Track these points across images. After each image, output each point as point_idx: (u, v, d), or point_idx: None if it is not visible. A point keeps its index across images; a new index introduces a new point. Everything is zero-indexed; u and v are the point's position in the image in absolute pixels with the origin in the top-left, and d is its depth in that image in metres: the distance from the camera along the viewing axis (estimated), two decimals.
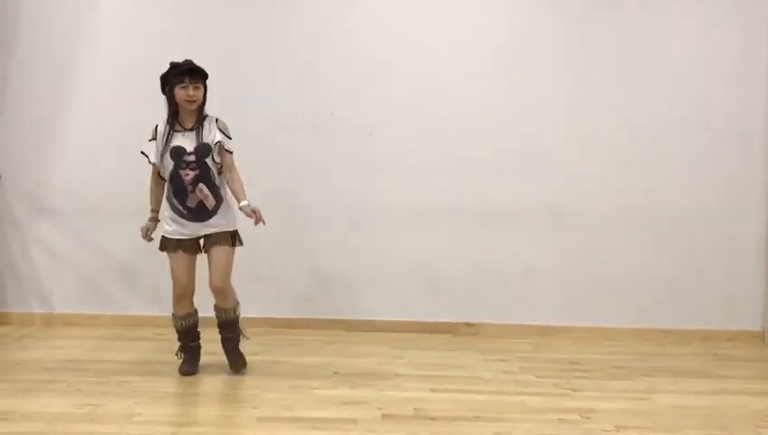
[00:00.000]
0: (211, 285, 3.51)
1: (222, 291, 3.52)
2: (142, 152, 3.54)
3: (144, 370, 3.64)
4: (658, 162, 4.67)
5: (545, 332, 4.68)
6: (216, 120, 3.51)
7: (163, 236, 3.53)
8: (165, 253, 3.53)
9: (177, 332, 3.65)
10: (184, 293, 3.54)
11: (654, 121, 4.67)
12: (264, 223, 3.50)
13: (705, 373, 3.90)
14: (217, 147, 3.46)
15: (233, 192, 3.54)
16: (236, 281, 4.66)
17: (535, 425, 2.96)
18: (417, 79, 4.66)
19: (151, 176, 3.57)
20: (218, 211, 3.48)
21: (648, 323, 4.69)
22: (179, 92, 3.40)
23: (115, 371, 3.61)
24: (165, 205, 3.55)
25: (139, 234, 3.58)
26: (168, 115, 3.48)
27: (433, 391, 3.42)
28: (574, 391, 3.47)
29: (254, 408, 3.09)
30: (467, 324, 4.71)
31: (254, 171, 4.65)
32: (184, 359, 3.65)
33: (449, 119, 4.66)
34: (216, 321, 3.64)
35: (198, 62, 4.64)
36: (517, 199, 4.68)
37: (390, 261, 4.70)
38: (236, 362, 3.64)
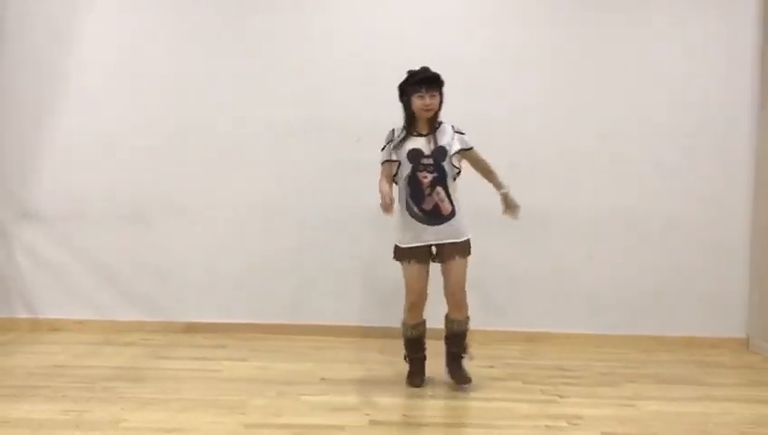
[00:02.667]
0: (448, 295, 3.51)
1: (459, 301, 3.51)
2: (386, 161, 3.51)
3: (130, 376, 3.62)
4: (644, 170, 4.71)
5: (533, 338, 4.70)
6: (453, 125, 3.54)
7: (396, 246, 3.53)
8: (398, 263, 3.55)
9: (405, 340, 3.63)
10: (417, 301, 3.51)
11: (639, 130, 4.71)
12: (515, 219, 3.58)
13: (690, 380, 3.93)
14: (458, 155, 3.49)
15: (491, 181, 3.63)
16: (224, 286, 4.67)
17: (523, 431, 2.97)
18: None
19: (382, 178, 3.50)
20: (452, 218, 3.47)
21: (635, 330, 4.72)
22: (416, 101, 3.43)
23: (101, 376, 3.59)
24: (397, 212, 3.49)
25: (131, 238, 3.55)
26: (405, 122, 3.51)
27: (421, 397, 3.42)
28: (561, 397, 3.48)
29: (242, 414, 3.08)
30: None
31: (244, 175, 4.69)
32: (411, 371, 3.64)
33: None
34: (444, 332, 3.61)
35: (188, 65, 4.69)
36: None
37: (379, 267, 4.70)
38: (461, 376, 3.56)
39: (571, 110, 4.71)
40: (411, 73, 3.49)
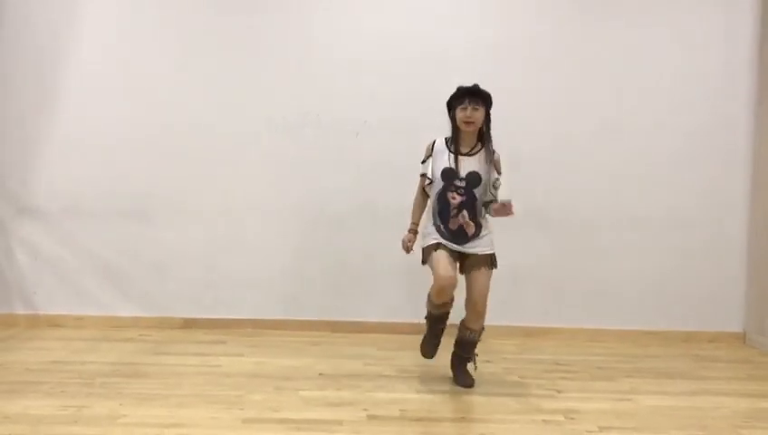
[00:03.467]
0: (470, 304, 3.46)
1: (479, 311, 3.46)
2: (422, 175, 3.55)
3: (129, 371, 3.63)
4: (641, 166, 4.73)
5: (530, 333, 4.71)
6: (496, 154, 3.46)
7: (426, 246, 3.50)
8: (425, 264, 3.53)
9: (428, 315, 3.61)
10: (447, 284, 3.34)
11: (637, 125, 4.72)
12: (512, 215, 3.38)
13: (687, 374, 3.94)
14: (492, 186, 3.44)
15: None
16: (222, 282, 4.68)
17: (520, 426, 2.98)
18: (404, 80, 4.68)
19: (418, 190, 3.59)
20: (477, 236, 3.46)
21: (632, 324, 4.74)
22: (459, 114, 3.43)
23: (100, 372, 3.59)
24: (427, 220, 3.53)
25: (129, 234, 3.54)
26: (452, 135, 3.50)
27: (418, 392, 3.43)
28: (558, 392, 3.50)
29: (240, 409, 3.09)
30: (453, 326, 4.71)
31: (243, 172, 4.69)
32: (426, 340, 3.65)
33: (438, 120, 4.65)
34: (456, 337, 3.61)
35: (185, 62, 4.69)
36: None
37: (376, 262, 4.71)
38: (466, 379, 3.59)
39: (570, 107, 4.72)
40: (459, 87, 3.47)
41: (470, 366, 3.63)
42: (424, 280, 4.66)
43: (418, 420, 3.03)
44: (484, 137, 3.49)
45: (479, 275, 3.44)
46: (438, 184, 3.46)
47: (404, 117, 4.67)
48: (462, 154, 3.46)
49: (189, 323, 4.66)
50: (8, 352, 4.02)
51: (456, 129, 3.48)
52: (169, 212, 4.69)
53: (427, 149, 3.55)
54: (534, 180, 4.70)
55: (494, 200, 3.40)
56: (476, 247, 3.46)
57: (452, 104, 3.48)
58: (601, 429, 2.97)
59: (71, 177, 4.66)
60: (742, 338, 4.76)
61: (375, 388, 3.47)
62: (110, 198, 4.66)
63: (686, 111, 4.73)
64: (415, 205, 3.60)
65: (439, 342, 3.67)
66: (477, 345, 3.59)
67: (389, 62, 4.69)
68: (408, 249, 3.54)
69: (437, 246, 3.44)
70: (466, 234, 3.44)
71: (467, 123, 3.42)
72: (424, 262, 3.53)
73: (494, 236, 3.53)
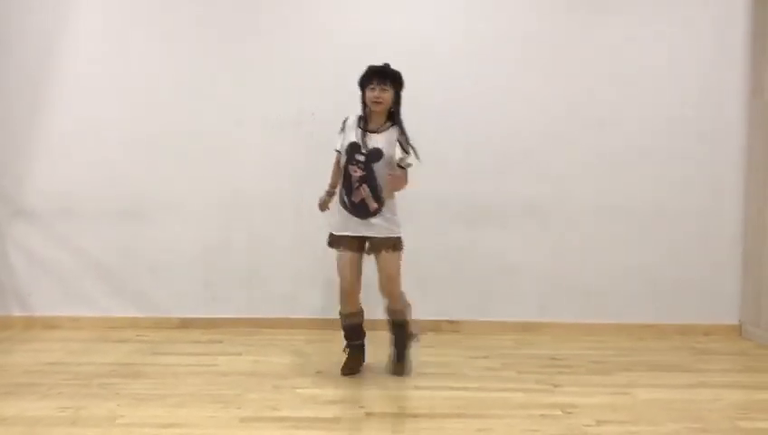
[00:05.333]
0: (380, 288, 3.61)
1: (390, 294, 3.61)
2: (336, 150, 3.68)
3: (126, 372, 3.62)
4: (636, 159, 4.73)
5: (526, 328, 4.72)
6: (401, 132, 3.55)
7: (330, 233, 3.63)
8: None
9: (344, 329, 3.70)
10: (349, 290, 3.60)
11: (632, 119, 4.72)
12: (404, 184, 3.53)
13: (683, 367, 3.96)
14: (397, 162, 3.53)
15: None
16: (219, 281, 4.68)
17: (518, 421, 2.99)
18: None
19: (334, 163, 3.72)
20: (379, 214, 3.53)
21: (627, 318, 4.75)
22: (368, 93, 3.52)
23: (97, 373, 3.59)
24: (337, 195, 3.67)
25: (125, 235, 3.56)
26: (362, 113, 3.61)
27: (416, 388, 3.44)
28: (555, 386, 3.51)
29: (238, 408, 3.09)
30: (449, 322, 4.73)
31: (237, 171, 4.69)
32: (346, 359, 3.69)
33: (431, 117, 4.68)
34: (388, 322, 3.73)
35: (181, 60, 4.68)
36: (498, 197, 4.71)
37: (373, 259, 4.70)
38: (395, 368, 3.68)
39: (564, 100, 4.71)
40: (368, 67, 3.56)
41: (413, 345, 3.75)
42: (420, 276, 4.70)
43: (416, 416, 3.04)
44: (393, 116, 3.58)
45: (382, 258, 3.56)
46: (344, 158, 3.57)
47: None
48: (369, 131, 3.55)
49: (186, 323, 4.65)
50: (4, 354, 4.01)
51: (365, 108, 3.57)
52: (165, 212, 4.68)
53: (341, 124, 3.66)
54: (528, 176, 4.70)
55: None
56: (380, 230, 3.55)
57: (362, 84, 3.56)
58: (599, 422, 2.99)
59: (65, 178, 4.64)
60: (738, 330, 4.78)
61: (372, 385, 3.47)
62: (106, 198, 4.65)
63: (681, 103, 4.72)
64: (332, 173, 3.74)
65: (362, 357, 3.73)
66: (410, 324, 3.71)
67: (386, 61, 4.67)
68: (322, 208, 3.74)
69: (340, 244, 3.57)
70: (368, 208, 3.51)
71: (375, 103, 3.50)
72: (329, 244, 3.65)
73: (399, 219, 3.63)
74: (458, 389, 3.44)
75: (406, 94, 4.65)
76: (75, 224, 4.66)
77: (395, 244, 3.57)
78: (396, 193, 3.58)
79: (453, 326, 4.73)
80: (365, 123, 3.58)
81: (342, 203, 3.59)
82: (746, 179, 4.75)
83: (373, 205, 3.51)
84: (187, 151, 4.67)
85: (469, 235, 4.74)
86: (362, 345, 3.75)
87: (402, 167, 3.53)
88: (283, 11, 4.66)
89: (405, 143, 3.54)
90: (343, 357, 3.72)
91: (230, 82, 4.65)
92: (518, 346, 4.37)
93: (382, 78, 3.51)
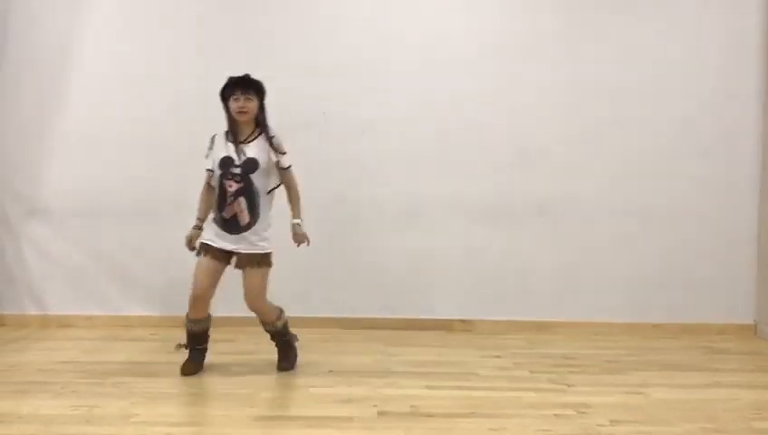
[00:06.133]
0: (247, 303, 3.59)
1: (256, 310, 3.61)
2: (207, 169, 3.60)
3: (140, 370, 3.64)
4: (651, 159, 4.71)
5: (539, 327, 4.71)
6: (273, 137, 3.54)
7: (201, 243, 3.58)
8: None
9: (187, 333, 3.66)
10: (200, 295, 3.53)
11: (647, 119, 4.70)
12: (307, 244, 3.67)
13: (697, 367, 3.93)
14: (275, 168, 3.55)
15: (291, 208, 3.65)
16: (231, 280, 4.68)
17: (531, 420, 2.98)
18: (411, 77, 4.68)
19: (204, 185, 3.65)
20: (251, 229, 3.50)
21: (641, 317, 4.73)
22: (232, 104, 3.48)
23: (111, 372, 3.62)
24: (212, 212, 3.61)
25: (138, 234, 3.59)
26: (228, 126, 3.55)
27: (428, 387, 3.43)
28: (569, 386, 3.49)
29: (251, 407, 3.10)
30: (462, 321, 4.73)
31: None
32: (187, 359, 3.65)
33: (444, 117, 4.68)
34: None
35: (191, 62, 4.70)
36: (511, 196, 4.70)
37: (385, 259, 4.71)
38: (282, 365, 3.73)
39: (579, 100, 4.70)
40: (229, 78, 3.52)
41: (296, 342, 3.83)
42: (432, 275, 4.69)
43: (429, 415, 3.03)
44: (260, 124, 3.55)
45: (248, 275, 3.53)
46: (218, 173, 3.49)
47: (410, 116, 4.67)
48: (240, 142, 3.50)
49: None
50: (19, 352, 4.05)
51: (231, 119, 3.52)
52: (178, 211, 4.68)
53: (209, 142, 3.59)
54: (541, 176, 4.69)
55: (280, 185, 3.56)
56: (247, 246, 3.51)
57: (225, 95, 3.51)
58: (612, 422, 2.97)
59: (79, 177, 4.67)
60: (752, 330, 4.74)
61: (385, 384, 3.47)
62: (120, 198, 4.67)
63: (696, 103, 4.70)
64: (201, 200, 3.65)
65: (202, 360, 3.68)
66: (287, 328, 3.77)
67: (396, 61, 4.68)
68: (191, 247, 3.59)
69: (206, 250, 3.53)
70: (239, 223, 3.48)
71: (241, 113, 3.46)
72: (197, 253, 3.59)
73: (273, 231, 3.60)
74: (471, 388, 3.43)
75: (419, 92, 4.70)
76: (89, 223, 4.69)
77: (260, 260, 3.54)
78: (300, 205, 3.66)
79: (465, 325, 4.72)
80: (234, 136, 3.52)
81: (214, 219, 3.54)
82: (762, 179, 4.71)
83: (245, 219, 3.48)
84: (200, 151, 4.66)
85: (482, 234, 4.73)
86: (204, 350, 3.69)
87: (284, 169, 3.54)
88: (292, 11, 4.67)
89: (278, 145, 3.52)
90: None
91: None
92: (531, 346, 4.36)
93: (245, 88, 3.47)
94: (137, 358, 3.90)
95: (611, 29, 4.70)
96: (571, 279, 4.74)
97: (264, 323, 3.69)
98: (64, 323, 4.68)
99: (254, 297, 3.55)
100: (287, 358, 3.76)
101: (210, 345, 3.70)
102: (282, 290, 4.72)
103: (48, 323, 4.68)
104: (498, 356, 4.05)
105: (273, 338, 3.77)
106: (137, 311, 4.71)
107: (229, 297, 4.68)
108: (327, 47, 4.67)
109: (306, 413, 3.03)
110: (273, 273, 4.72)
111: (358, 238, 4.71)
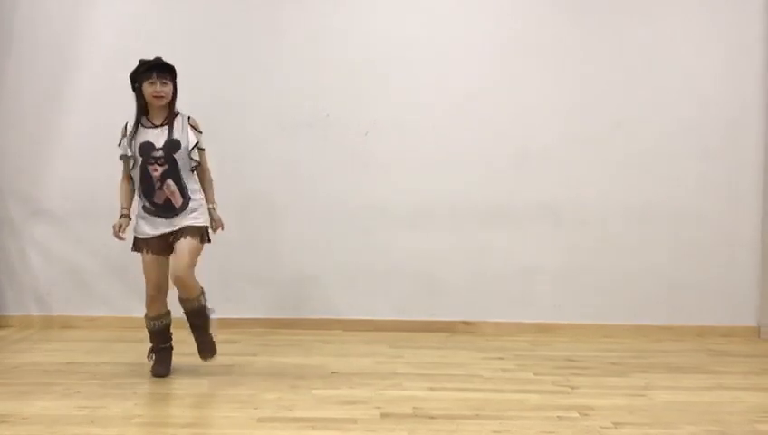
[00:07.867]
0: (171, 275, 3.46)
1: (182, 281, 3.43)
2: (122, 156, 3.52)
3: (143, 371, 3.64)
4: (655, 161, 4.71)
5: (543, 329, 4.70)
6: (189, 117, 3.52)
7: (135, 237, 3.55)
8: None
9: (149, 332, 3.63)
10: (156, 293, 3.53)
11: (651, 121, 4.70)
12: (222, 229, 3.62)
13: (701, 369, 3.92)
14: (195, 148, 3.49)
15: (203, 191, 3.58)
16: (235, 282, 4.68)
17: (534, 422, 2.97)
18: (414, 79, 4.68)
19: (122, 175, 3.57)
20: (187, 208, 3.47)
21: (645, 319, 4.72)
22: (147, 88, 3.41)
23: (114, 373, 3.62)
24: (136, 203, 3.55)
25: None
26: (137, 112, 3.49)
27: (432, 389, 3.43)
28: (572, 388, 3.49)
29: (254, 408, 3.09)
30: (465, 323, 4.73)
31: (252, 171, 4.70)
32: (156, 360, 3.62)
33: (447, 118, 4.68)
34: (183, 311, 3.60)
35: (196, 61, 4.70)
36: (515, 198, 4.70)
37: (388, 260, 4.71)
38: (203, 351, 3.61)
39: (582, 101, 4.71)
40: (142, 62, 3.47)
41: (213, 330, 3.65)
42: (435, 277, 4.69)
43: (432, 417, 3.03)
44: (173, 107, 3.51)
45: (182, 244, 3.42)
46: (138, 160, 3.43)
47: (413, 117, 4.67)
48: (157, 126, 3.45)
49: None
50: (23, 353, 4.05)
51: (144, 104, 3.46)
52: None
53: (122, 130, 3.52)
54: (545, 176, 4.69)
55: (199, 163, 3.50)
56: (183, 222, 3.46)
57: (137, 79, 3.45)
58: (616, 425, 2.96)
59: (83, 178, 4.68)
60: (756, 332, 4.73)
61: (388, 386, 3.47)
62: None
63: (698, 104, 4.70)
64: (121, 191, 3.57)
65: (170, 359, 3.65)
66: (207, 311, 3.61)
67: (399, 62, 4.69)
68: (118, 236, 3.51)
69: (145, 246, 3.48)
70: (174, 206, 3.44)
71: (158, 97, 3.41)
72: (133, 249, 3.56)
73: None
74: (474, 390, 3.43)
75: (424, 95, 4.70)
76: (93, 224, 4.68)
77: (195, 232, 3.46)
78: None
79: (468, 327, 4.72)
80: (149, 121, 3.47)
81: (145, 209, 3.48)
82: (765, 181, 4.71)
83: (179, 200, 3.44)
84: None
85: (485, 235, 4.73)
86: (170, 348, 3.66)
87: (202, 150, 3.52)
88: (300, 12, 4.67)
89: (196, 125, 3.51)
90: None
91: (245, 83, 4.67)
92: (534, 347, 4.35)
93: (161, 71, 3.41)
94: (140, 359, 3.89)
95: (613, 30, 4.70)
96: (575, 281, 4.73)
97: (186, 301, 3.53)
98: (68, 324, 4.69)
99: (184, 267, 3.40)
100: (208, 348, 3.61)
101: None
102: (284, 292, 4.75)
103: (51, 324, 4.69)
104: (501, 358, 4.05)
105: (189, 317, 3.57)
106: (140, 312, 4.68)
107: (233, 299, 4.72)
108: (330, 48, 4.68)
109: (309, 415, 3.02)
110: (276, 274, 4.75)
111: (359, 239, 4.71)
